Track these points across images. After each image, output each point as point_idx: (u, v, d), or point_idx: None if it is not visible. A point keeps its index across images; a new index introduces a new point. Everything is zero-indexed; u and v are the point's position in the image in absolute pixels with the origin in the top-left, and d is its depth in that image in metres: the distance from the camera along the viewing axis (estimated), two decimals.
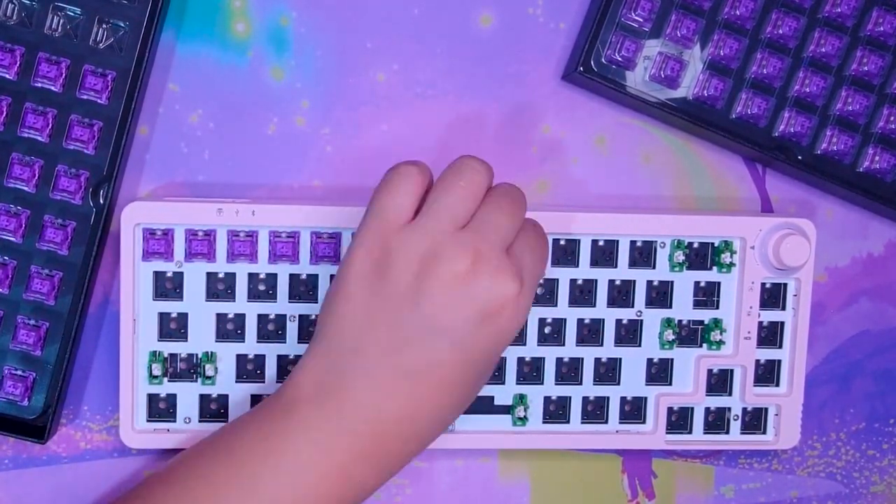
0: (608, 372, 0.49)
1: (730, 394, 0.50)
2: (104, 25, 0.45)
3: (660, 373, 0.50)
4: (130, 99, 0.45)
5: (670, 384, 0.50)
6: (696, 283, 0.49)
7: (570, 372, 0.49)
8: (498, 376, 0.49)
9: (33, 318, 0.46)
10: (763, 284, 0.49)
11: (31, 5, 0.44)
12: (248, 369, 0.48)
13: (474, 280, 0.39)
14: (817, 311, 0.52)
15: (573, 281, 0.48)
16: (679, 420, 0.50)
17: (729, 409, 0.50)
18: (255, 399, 0.48)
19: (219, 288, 0.47)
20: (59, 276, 0.46)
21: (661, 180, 0.51)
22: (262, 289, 0.47)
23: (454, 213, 0.40)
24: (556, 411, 0.49)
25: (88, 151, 0.45)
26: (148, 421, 0.47)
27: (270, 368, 0.47)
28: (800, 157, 0.49)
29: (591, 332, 0.49)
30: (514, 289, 0.39)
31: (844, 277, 0.53)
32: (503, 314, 0.39)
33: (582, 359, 0.49)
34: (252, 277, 0.47)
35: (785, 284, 0.50)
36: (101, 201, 0.45)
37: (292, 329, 0.47)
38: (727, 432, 0.50)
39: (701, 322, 0.49)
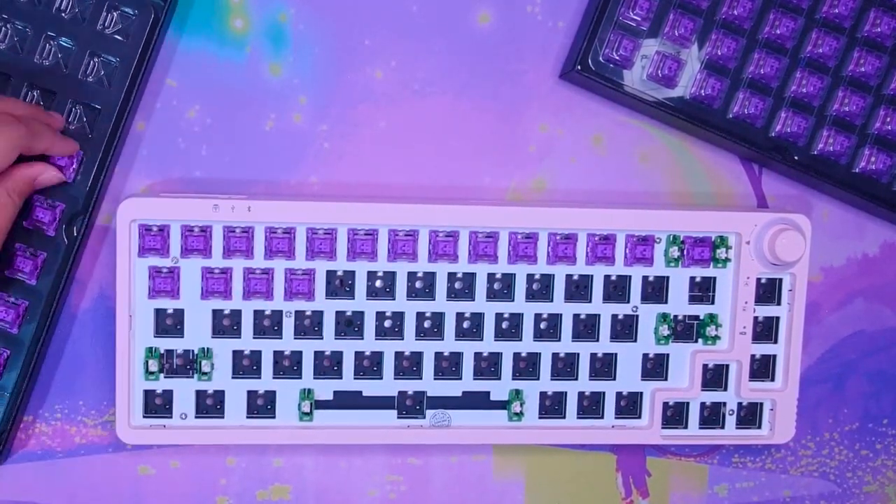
0: (604, 367, 0.49)
1: (725, 389, 0.50)
2: (95, 59, 0.45)
3: (655, 368, 0.50)
4: (114, 134, 0.45)
5: (666, 379, 0.50)
6: (692, 279, 0.49)
7: (565, 367, 0.49)
8: (494, 372, 0.49)
9: None
10: (758, 280, 0.50)
11: (24, 31, 0.44)
12: (245, 365, 0.48)
13: None
14: (812, 310, 0.53)
15: (569, 276, 0.48)
16: (674, 415, 0.50)
17: (724, 403, 0.50)
18: (251, 395, 0.48)
19: (215, 284, 0.47)
20: (25, 305, 0.45)
21: (658, 180, 0.51)
22: (258, 285, 0.47)
23: None
24: (552, 406, 0.49)
25: (67, 181, 0.45)
26: (144, 417, 0.47)
27: (266, 364, 0.48)
28: (796, 158, 0.50)
29: (586, 328, 0.49)
30: None
31: (840, 278, 0.53)
32: None
33: (578, 354, 0.49)
34: (248, 273, 0.47)
35: (780, 280, 0.50)
36: (75, 234, 0.45)
37: (288, 325, 0.47)
38: (722, 427, 0.51)
39: (696, 317, 0.50)
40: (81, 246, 0.46)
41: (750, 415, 0.51)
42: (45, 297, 0.45)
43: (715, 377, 0.50)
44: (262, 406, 0.48)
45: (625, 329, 0.49)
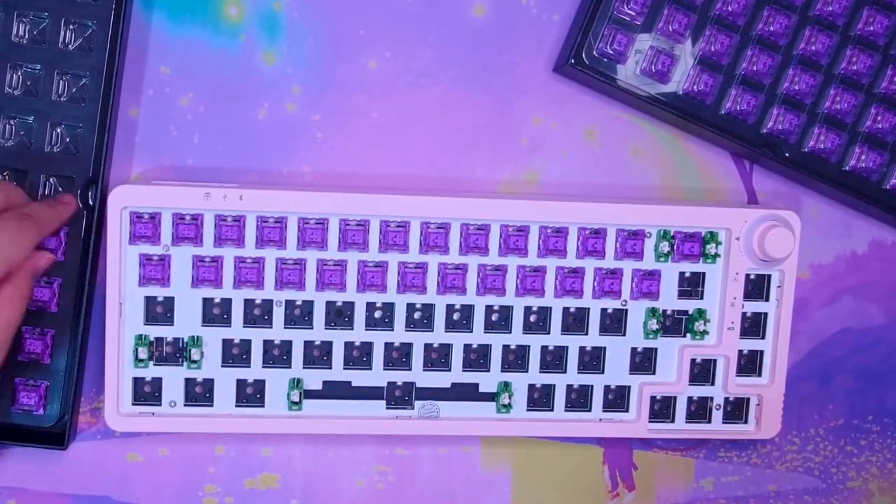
0: (592, 360, 0.50)
1: (712, 383, 0.51)
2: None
3: (643, 362, 0.50)
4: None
5: (654, 373, 0.50)
6: (681, 274, 0.50)
7: (554, 360, 0.49)
8: (483, 364, 0.49)
9: (38, 327, 0.46)
10: (747, 276, 0.50)
11: None
12: (234, 354, 0.48)
13: None
14: (800, 307, 0.53)
15: (560, 269, 0.49)
16: (662, 409, 0.51)
17: (711, 398, 0.51)
18: (241, 384, 0.48)
19: (205, 272, 0.47)
20: (59, 281, 0.45)
21: (650, 174, 0.51)
22: (249, 274, 0.47)
23: None
24: (541, 399, 0.50)
25: (73, 154, 0.45)
26: (133, 404, 0.47)
27: (256, 353, 0.48)
28: (787, 155, 0.50)
29: (576, 321, 0.49)
30: None
31: (828, 275, 0.53)
32: None
33: (567, 347, 0.49)
34: (239, 262, 0.47)
35: (769, 276, 0.50)
36: (91, 202, 0.45)
37: (279, 314, 0.47)
38: (709, 421, 0.51)
39: (685, 312, 0.50)
40: (101, 216, 0.46)
41: (736, 410, 0.51)
42: (77, 270, 0.45)
43: (702, 372, 0.51)
44: (251, 395, 0.48)
45: (614, 323, 0.50)
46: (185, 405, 0.47)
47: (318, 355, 0.48)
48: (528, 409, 0.49)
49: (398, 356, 0.48)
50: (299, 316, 0.48)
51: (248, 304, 0.47)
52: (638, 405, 0.50)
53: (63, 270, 0.46)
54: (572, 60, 0.48)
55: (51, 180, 0.45)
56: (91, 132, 0.45)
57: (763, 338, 0.51)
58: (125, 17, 0.45)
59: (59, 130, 0.45)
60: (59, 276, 0.46)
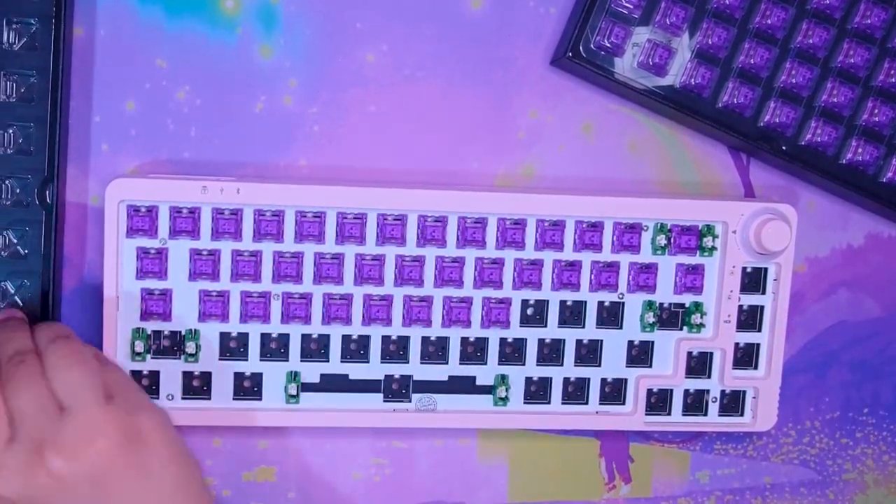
0: (589, 353, 0.50)
1: (709, 376, 0.51)
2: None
3: (640, 355, 0.50)
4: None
5: (650, 366, 0.50)
6: (678, 266, 0.50)
7: (551, 353, 0.50)
8: (480, 357, 0.49)
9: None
10: (744, 269, 0.50)
11: None
12: (232, 347, 0.48)
13: (57, 457, 0.37)
14: (796, 300, 0.53)
15: (556, 262, 0.49)
16: (658, 402, 0.51)
17: (707, 391, 0.51)
18: (238, 377, 0.48)
19: (202, 266, 0.47)
20: (21, 282, 0.45)
21: (647, 168, 0.51)
22: (246, 267, 0.47)
23: None
24: (537, 392, 0.50)
25: (28, 154, 0.45)
26: None
27: (253, 347, 0.48)
28: (784, 148, 0.50)
29: (573, 314, 0.49)
30: (89, 436, 0.37)
31: (824, 268, 0.53)
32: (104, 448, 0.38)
33: (564, 340, 0.49)
34: (236, 255, 0.47)
35: (765, 269, 0.50)
36: (49, 201, 0.45)
37: (276, 307, 0.47)
38: (705, 414, 0.51)
39: (682, 305, 0.50)
40: (60, 213, 0.46)
41: (733, 402, 0.51)
42: (41, 272, 0.45)
43: (699, 365, 0.51)
44: (248, 388, 0.48)
45: (611, 316, 0.50)
46: (183, 398, 0.48)
47: (315, 348, 0.48)
48: (524, 402, 0.50)
49: (395, 349, 0.49)
50: (297, 309, 0.48)
51: (246, 296, 0.47)
52: (634, 398, 0.50)
53: (26, 270, 0.45)
54: (569, 53, 0.48)
55: (7, 182, 0.45)
56: (43, 131, 0.45)
57: (759, 331, 0.51)
58: (67, 13, 0.45)
59: (11, 132, 0.44)
60: (21, 277, 0.45)
